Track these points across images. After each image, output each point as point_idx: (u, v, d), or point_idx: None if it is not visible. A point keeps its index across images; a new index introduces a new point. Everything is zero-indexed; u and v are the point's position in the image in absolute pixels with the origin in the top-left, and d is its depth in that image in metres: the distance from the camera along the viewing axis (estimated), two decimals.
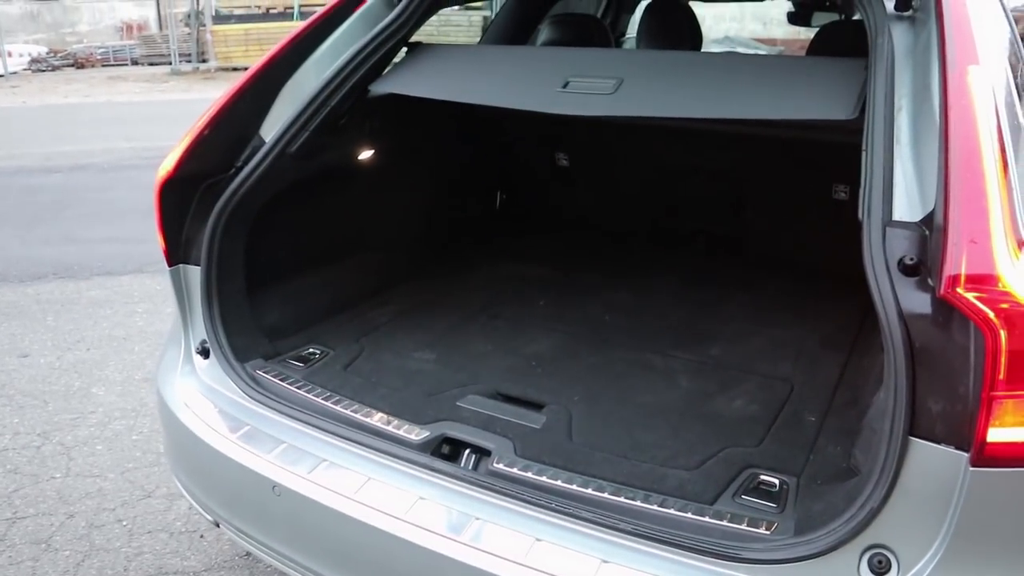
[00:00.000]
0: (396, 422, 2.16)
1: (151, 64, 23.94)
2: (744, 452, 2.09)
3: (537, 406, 2.30)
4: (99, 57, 24.54)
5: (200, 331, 2.47)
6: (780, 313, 2.97)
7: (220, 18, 23.35)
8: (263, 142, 2.49)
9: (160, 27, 27.25)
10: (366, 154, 2.91)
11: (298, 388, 2.33)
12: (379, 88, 2.66)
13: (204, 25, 23.81)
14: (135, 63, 24.46)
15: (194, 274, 2.46)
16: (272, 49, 2.56)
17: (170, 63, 22.71)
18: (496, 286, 3.19)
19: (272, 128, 2.52)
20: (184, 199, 2.44)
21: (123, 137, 12.34)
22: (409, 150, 3.15)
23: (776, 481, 1.96)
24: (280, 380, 2.37)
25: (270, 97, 2.54)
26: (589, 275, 3.32)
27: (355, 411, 2.21)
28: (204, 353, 2.46)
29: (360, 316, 2.88)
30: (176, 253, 2.47)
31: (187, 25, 24.36)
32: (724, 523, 1.78)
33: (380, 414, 2.20)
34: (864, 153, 1.85)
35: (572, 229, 3.78)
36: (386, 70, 2.76)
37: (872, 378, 2.33)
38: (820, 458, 2.06)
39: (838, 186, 3.14)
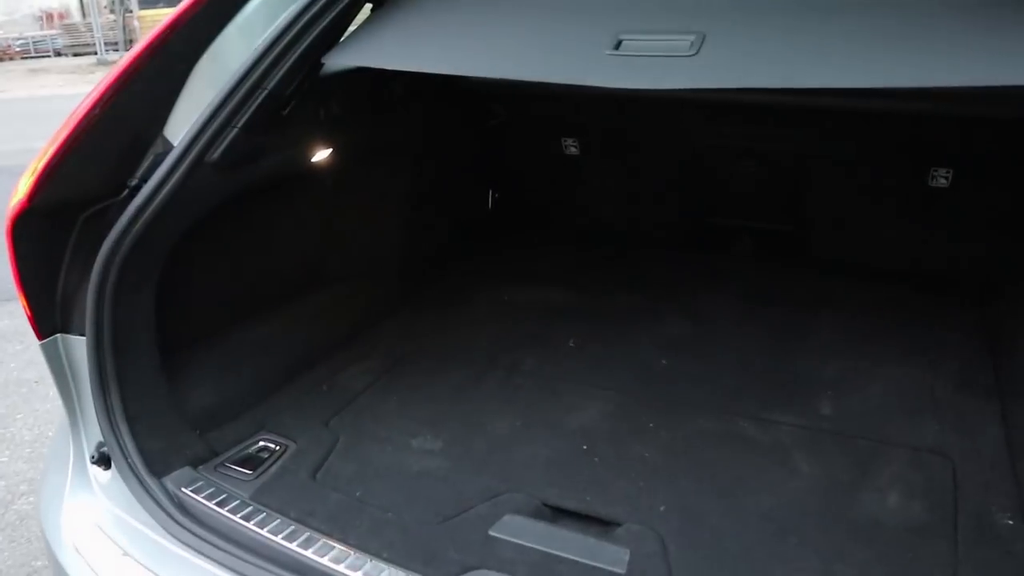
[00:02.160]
0: None
1: (76, 55, 22.51)
2: None
3: (609, 525, 1.56)
4: (18, 49, 22.98)
5: (95, 430, 1.67)
6: (882, 341, 2.25)
7: (147, 3, 22.03)
8: (170, 147, 1.68)
9: (83, 15, 25.59)
10: (320, 155, 2.10)
11: (245, 519, 1.54)
12: (338, 60, 1.85)
13: (131, 11, 22.44)
14: (58, 54, 22.98)
15: (80, 347, 1.65)
16: (174, 10, 1.72)
17: (96, 53, 21.31)
18: (505, 322, 2.41)
19: (182, 127, 1.70)
20: (53, 240, 1.63)
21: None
22: (377, 146, 2.35)
23: None
24: (218, 506, 1.58)
25: (176, 81, 1.72)
26: (622, 298, 2.56)
27: (336, 559, 1.43)
28: (103, 462, 1.66)
29: (328, 381, 2.08)
30: (48, 319, 1.66)
31: (112, 11, 22.86)
32: None
33: (374, 562, 1.42)
34: None
35: (586, 235, 3.01)
36: (345, 35, 1.95)
37: None
38: None
39: (937, 170, 2.43)
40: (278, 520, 1.54)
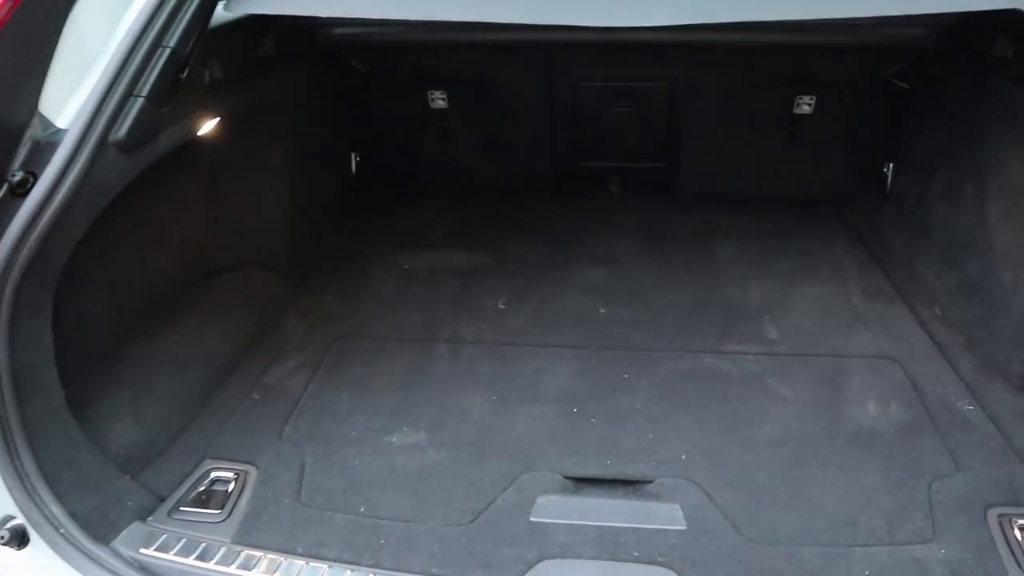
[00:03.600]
0: None
1: None
2: (960, 487, 1.48)
3: (640, 484, 1.49)
4: None
5: None
6: (784, 263, 2.37)
7: None
8: (56, 130, 1.32)
9: None
10: (207, 127, 1.77)
11: (243, 567, 1.29)
12: (243, 6, 1.55)
13: None
14: None
15: None
16: None
17: None
18: (418, 292, 2.22)
19: (65, 100, 1.34)
20: None
21: None
22: (255, 114, 2.03)
23: None
24: (199, 559, 1.31)
25: (44, 43, 1.34)
26: (522, 251, 2.46)
27: None
28: (16, 540, 1.31)
29: (256, 386, 1.80)
30: None
31: None
32: None
33: None
34: None
35: (460, 191, 2.85)
36: None
37: (997, 337, 1.81)
38: None
39: (801, 98, 2.57)
40: (285, 560, 1.31)
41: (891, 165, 2.54)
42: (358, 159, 2.78)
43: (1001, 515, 1.39)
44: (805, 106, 2.58)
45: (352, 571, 1.28)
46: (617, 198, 2.86)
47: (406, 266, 2.37)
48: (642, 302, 2.16)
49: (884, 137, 2.58)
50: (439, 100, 2.68)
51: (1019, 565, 1.29)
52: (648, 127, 2.70)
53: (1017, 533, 1.35)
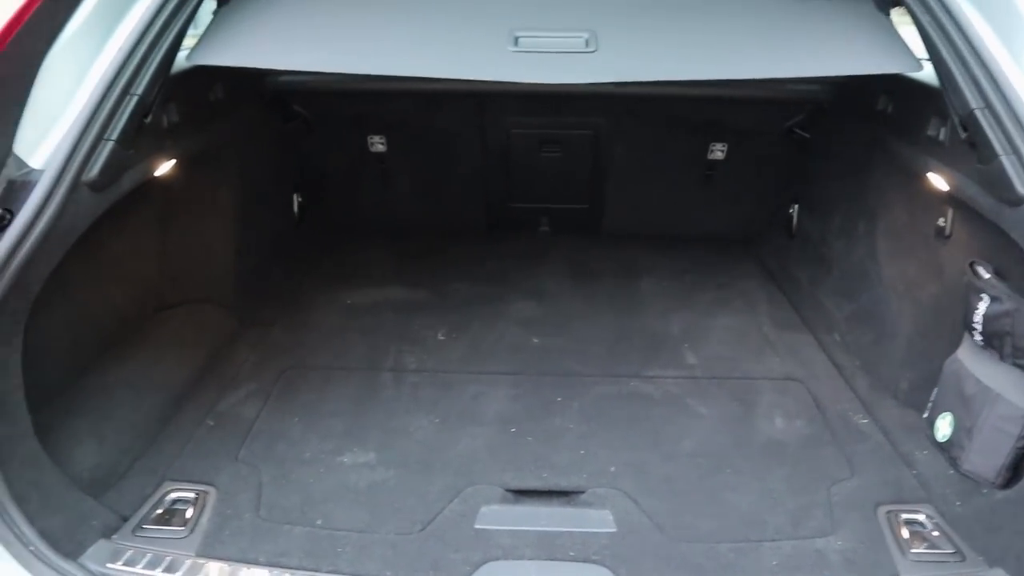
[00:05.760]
0: None
1: None
2: (854, 488, 1.67)
3: (574, 494, 1.64)
4: None
5: None
6: (701, 296, 2.59)
7: None
8: (30, 170, 1.42)
9: None
10: (163, 168, 1.88)
11: None
12: (204, 57, 1.67)
13: None
14: None
15: None
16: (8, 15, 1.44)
17: None
18: (362, 325, 2.34)
19: (39, 142, 1.44)
20: None
21: None
22: (207, 155, 2.14)
23: (923, 518, 1.58)
24: (166, 572, 1.39)
25: (17, 94, 1.45)
26: (459, 287, 2.61)
27: None
28: None
29: (210, 414, 1.88)
30: None
31: None
32: None
33: None
34: (981, 113, 1.49)
35: (398, 231, 3.00)
36: (200, 31, 1.78)
37: (887, 360, 2.04)
38: (925, 471, 1.71)
39: (715, 145, 2.81)
40: (249, 570, 1.40)
41: (796, 207, 2.79)
42: (300, 200, 2.90)
43: (888, 511, 1.59)
44: (718, 153, 2.83)
45: None
46: (547, 237, 3.06)
47: (348, 301, 2.49)
48: (571, 333, 2.33)
49: (789, 181, 2.85)
50: (378, 144, 2.83)
51: (902, 552, 1.48)
52: (574, 171, 2.91)
53: (901, 527, 1.55)
